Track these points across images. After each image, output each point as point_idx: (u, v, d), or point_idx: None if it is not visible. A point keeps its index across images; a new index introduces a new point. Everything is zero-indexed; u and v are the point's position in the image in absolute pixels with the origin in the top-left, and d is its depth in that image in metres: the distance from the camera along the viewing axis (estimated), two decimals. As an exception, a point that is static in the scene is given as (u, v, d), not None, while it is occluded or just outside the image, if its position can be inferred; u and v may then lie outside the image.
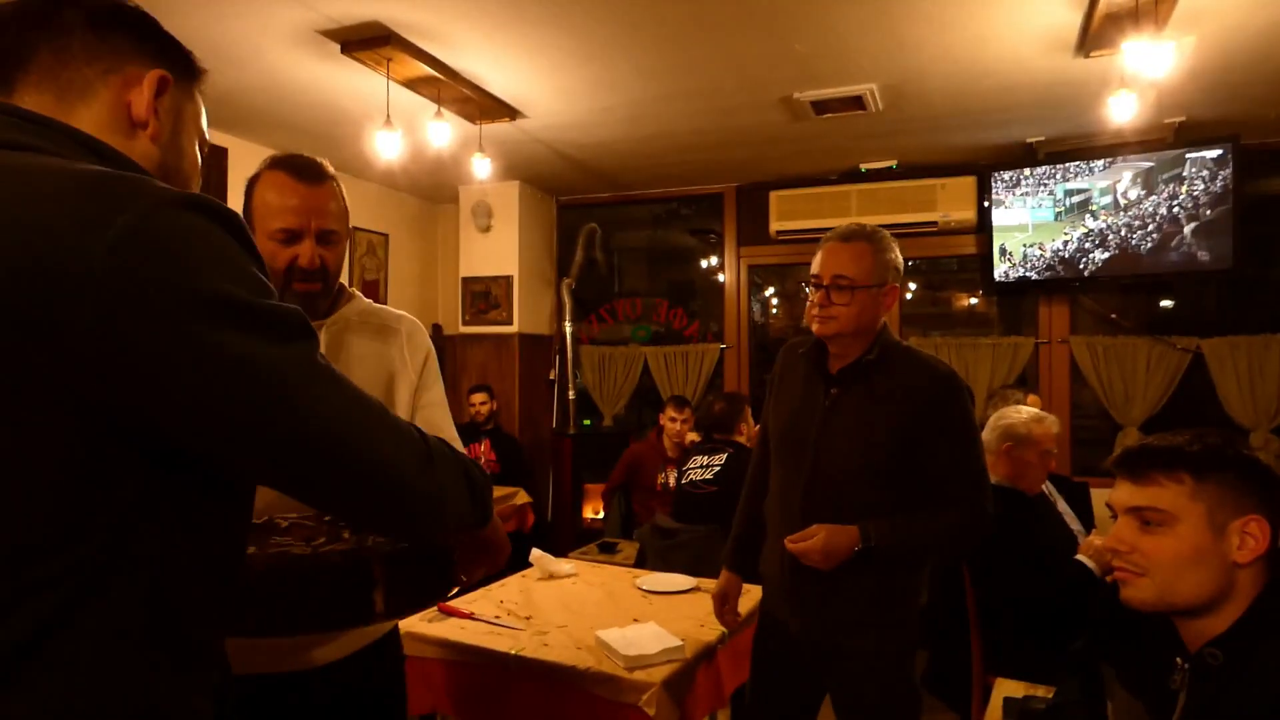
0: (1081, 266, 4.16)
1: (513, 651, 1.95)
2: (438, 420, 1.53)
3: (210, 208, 0.67)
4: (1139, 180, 4.02)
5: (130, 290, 0.60)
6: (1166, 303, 4.61)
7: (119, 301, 0.60)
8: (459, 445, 1.54)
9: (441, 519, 0.82)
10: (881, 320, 1.74)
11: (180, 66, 0.82)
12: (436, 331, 5.50)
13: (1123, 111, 3.10)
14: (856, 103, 3.54)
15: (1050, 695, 1.65)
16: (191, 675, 0.71)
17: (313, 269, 1.35)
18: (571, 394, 5.43)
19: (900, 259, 1.75)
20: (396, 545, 1.02)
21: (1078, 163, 4.12)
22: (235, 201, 1.20)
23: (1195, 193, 3.93)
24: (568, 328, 5.41)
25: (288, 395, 0.66)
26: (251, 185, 1.39)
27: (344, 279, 1.49)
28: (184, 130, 0.83)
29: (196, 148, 0.86)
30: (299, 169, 1.36)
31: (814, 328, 1.72)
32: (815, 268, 1.73)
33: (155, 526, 0.66)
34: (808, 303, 1.74)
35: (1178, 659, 1.15)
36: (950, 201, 4.45)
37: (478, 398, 4.89)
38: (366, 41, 2.90)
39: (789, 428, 1.80)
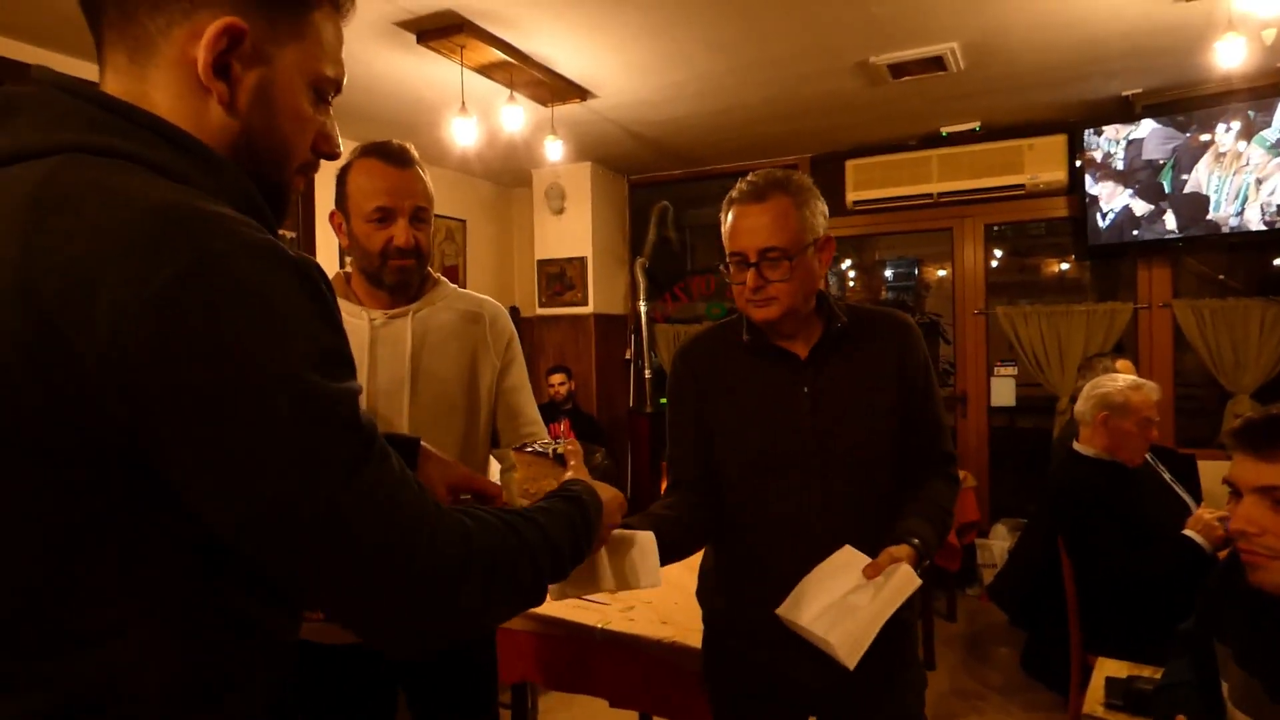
0: (1185, 225, 3.92)
1: (599, 625, 1.99)
2: (520, 404, 1.60)
3: (279, 255, 0.59)
4: (1247, 131, 3.75)
5: (164, 358, 0.53)
6: (1280, 261, 4.30)
7: (150, 369, 0.53)
8: (540, 427, 1.59)
9: (483, 622, 0.70)
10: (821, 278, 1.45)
11: (277, 3, 0.67)
12: (514, 314, 5.60)
13: (1230, 57, 2.88)
14: (937, 63, 3.40)
15: (1157, 676, 1.58)
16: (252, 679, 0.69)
17: (408, 248, 1.42)
18: (648, 373, 5.45)
19: (823, 202, 1.43)
20: None
21: (1180, 115, 3.87)
22: (320, 191, 1.25)
23: (1314, 141, 3.63)
24: (642, 307, 5.42)
25: (323, 497, 0.59)
26: (344, 174, 1.46)
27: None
28: (276, 83, 0.68)
29: (304, 99, 0.71)
30: (388, 154, 1.44)
31: (752, 314, 1.40)
32: (735, 242, 1.38)
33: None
34: (733, 285, 1.41)
35: (1301, 637, 1.08)
36: (1038, 162, 4.25)
37: (556, 378, 4.97)
38: (441, 30, 2.95)
39: (767, 431, 1.42)
